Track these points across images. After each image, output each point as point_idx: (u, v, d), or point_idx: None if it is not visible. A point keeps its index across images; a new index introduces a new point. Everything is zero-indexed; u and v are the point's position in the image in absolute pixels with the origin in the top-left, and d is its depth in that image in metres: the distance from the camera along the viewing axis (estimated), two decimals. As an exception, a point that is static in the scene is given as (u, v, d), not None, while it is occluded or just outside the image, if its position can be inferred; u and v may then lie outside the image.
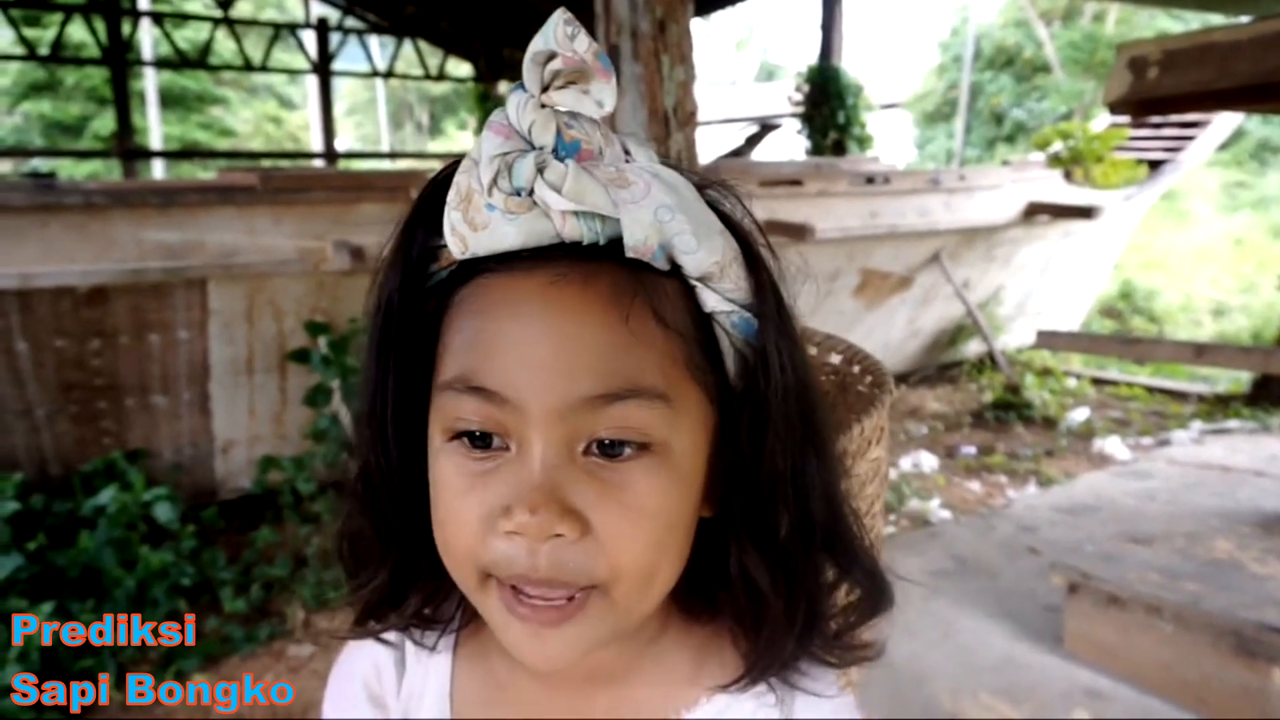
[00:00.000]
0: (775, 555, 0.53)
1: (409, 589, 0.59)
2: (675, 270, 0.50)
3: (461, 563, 0.51)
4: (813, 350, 1.07)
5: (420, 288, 0.52)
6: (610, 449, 0.48)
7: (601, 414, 0.47)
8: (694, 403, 0.50)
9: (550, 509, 0.46)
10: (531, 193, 0.47)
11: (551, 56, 0.47)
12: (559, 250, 0.48)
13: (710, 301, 0.50)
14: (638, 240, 0.47)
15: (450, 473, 0.50)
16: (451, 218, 0.49)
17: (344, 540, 0.60)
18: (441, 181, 0.52)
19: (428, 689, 0.63)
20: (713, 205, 0.52)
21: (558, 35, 0.46)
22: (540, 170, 0.47)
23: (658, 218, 0.47)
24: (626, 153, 0.51)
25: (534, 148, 0.48)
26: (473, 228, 0.48)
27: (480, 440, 0.49)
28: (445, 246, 0.51)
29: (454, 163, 0.52)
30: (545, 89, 0.47)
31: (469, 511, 0.49)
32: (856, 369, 0.99)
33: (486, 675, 0.62)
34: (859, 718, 0.60)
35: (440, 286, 0.52)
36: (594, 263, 0.48)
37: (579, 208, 0.47)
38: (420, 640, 0.62)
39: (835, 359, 1.04)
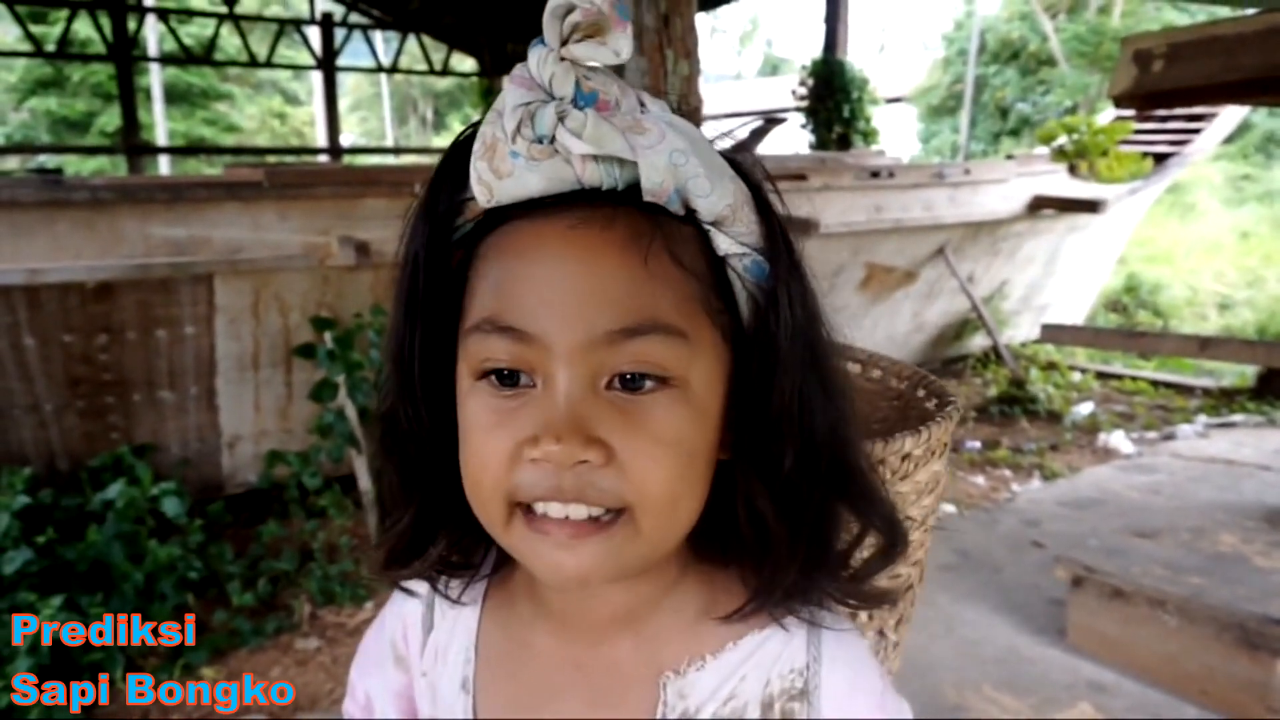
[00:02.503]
0: (779, 488, 0.54)
1: (433, 534, 0.61)
2: (690, 216, 0.52)
3: (489, 497, 0.52)
4: (876, 373, 1.08)
5: (446, 242, 0.55)
6: (631, 383, 0.50)
7: (622, 349, 0.49)
8: (710, 341, 0.53)
9: (575, 438, 0.48)
10: (554, 140, 0.49)
11: (570, 9, 0.48)
12: (580, 196, 0.51)
13: (723, 245, 0.52)
14: (654, 183, 0.50)
15: (479, 410, 0.52)
16: (478, 167, 0.52)
17: (380, 486, 0.64)
18: (463, 141, 0.54)
19: (453, 642, 0.65)
20: (723, 154, 0.54)
21: None
22: (561, 118, 0.49)
23: (672, 161, 0.50)
24: (642, 104, 0.53)
25: (554, 98, 0.50)
26: (498, 175, 0.51)
27: (508, 379, 0.52)
28: (470, 201, 0.54)
29: (475, 124, 0.54)
30: (564, 43, 0.49)
31: (497, 444, 0.51)
32: (921, 392, 1.01)
33: (510, 626, 0.64)
34: (878, 670, 0.62)
35: (466, 239, 0.55)
36: (613, 207, 0.50)
37: (599, 152, 0.49)
38: (446, 592, 0.64)
39: (899, 384, 1.06)
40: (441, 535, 0.61)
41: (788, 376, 0.53)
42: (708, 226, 0.52)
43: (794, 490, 0.55)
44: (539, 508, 0.51)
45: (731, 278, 0.54)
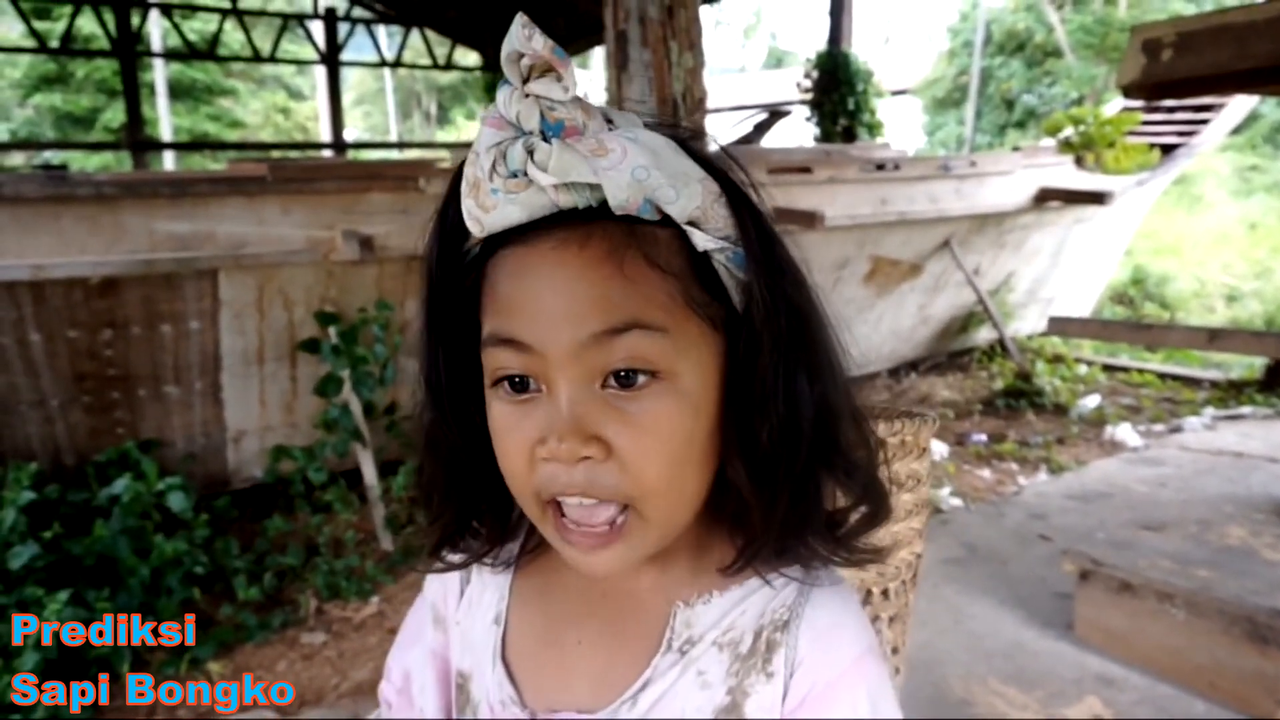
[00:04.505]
0: (756, 461, 0.59)
1: (472, 525, 0.69)
2: (667, 219, 0.56)
3: (520, 490, 0.60)
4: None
5: (459, 265, 0.61)
6: (625, 380, 0.55)
7: (609, 348, 0.54)
8: (697, 333, 0.57)
9: (576, 437, 0.55)
10: (527, 173, 0.54)
11: (521, 55, 0.53)
12: (561, 217, 0.56)
13: (700, 241, 0.57)
14: (620, 200, 0.54)
15: (499, 414, 0.59)
16: (466, 205, 0.58)
17: (421, 488, 0.70)
18: (460, 175, 0.59)
19: (488, 590, 0.73)
20: (696, 155, 0.58)
21: (519, 37, 0.52)
22: (530, 153, 0.54)
23: (635, 177, 0.54)
24: (609, 122, 0.56)
25: (523, 133, 0.54)
26: (484, 210, 0.56)
27: (519, 385, 0.58)
28: None
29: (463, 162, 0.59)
30: (526, 80, 0.53)
31: (516, 444, 0.58)
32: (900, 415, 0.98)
33: (544, 571, 0.72)
34: (864, 624, 0.66)
35: (475, 261, 0.60)
36: (590, 224, 0.55)
37: (563, 181, 0.54)
38: (488, 563, 0.72)
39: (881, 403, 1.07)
40: (481, 527, 0.69)
41: (766, 357, 0.57)
42: (685, 226, 0.56)
43: (771, 463, 0.59)
44: (562, 502, 0.58)
45: (718, 269, 0.58)
